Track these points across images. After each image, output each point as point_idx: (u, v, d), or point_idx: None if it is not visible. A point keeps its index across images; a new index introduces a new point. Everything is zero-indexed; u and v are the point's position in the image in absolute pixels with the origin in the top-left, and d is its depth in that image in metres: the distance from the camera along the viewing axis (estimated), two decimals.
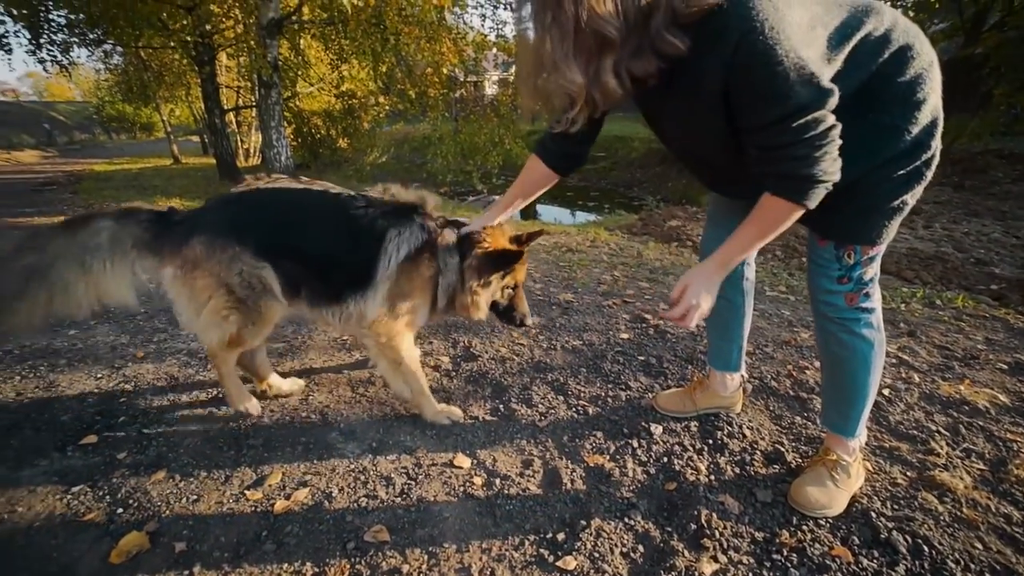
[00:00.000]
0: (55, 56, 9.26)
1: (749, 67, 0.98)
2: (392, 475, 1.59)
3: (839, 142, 1.04)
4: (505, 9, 9.94)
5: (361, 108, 13.45)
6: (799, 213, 1.12)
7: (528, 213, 11.48)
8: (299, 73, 11.30)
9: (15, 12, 8.17)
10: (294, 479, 1.58)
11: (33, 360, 2.40)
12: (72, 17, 8.89)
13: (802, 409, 1.89)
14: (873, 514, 1.41)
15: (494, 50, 10.73)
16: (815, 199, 1.08)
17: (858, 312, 1.35)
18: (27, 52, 9.10)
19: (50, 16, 8.76)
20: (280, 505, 1.47)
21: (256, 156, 15.14)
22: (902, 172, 1.16)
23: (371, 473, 1.60)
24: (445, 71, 9.58)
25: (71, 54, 9.48)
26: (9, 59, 12.80)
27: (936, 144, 1.16)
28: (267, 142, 8.84)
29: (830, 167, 1.05)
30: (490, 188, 12.25)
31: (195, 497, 1.52)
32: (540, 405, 1.95)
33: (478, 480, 1.57)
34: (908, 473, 1.56)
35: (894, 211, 1.22)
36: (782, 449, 1.68)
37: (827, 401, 1.51)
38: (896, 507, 1.44)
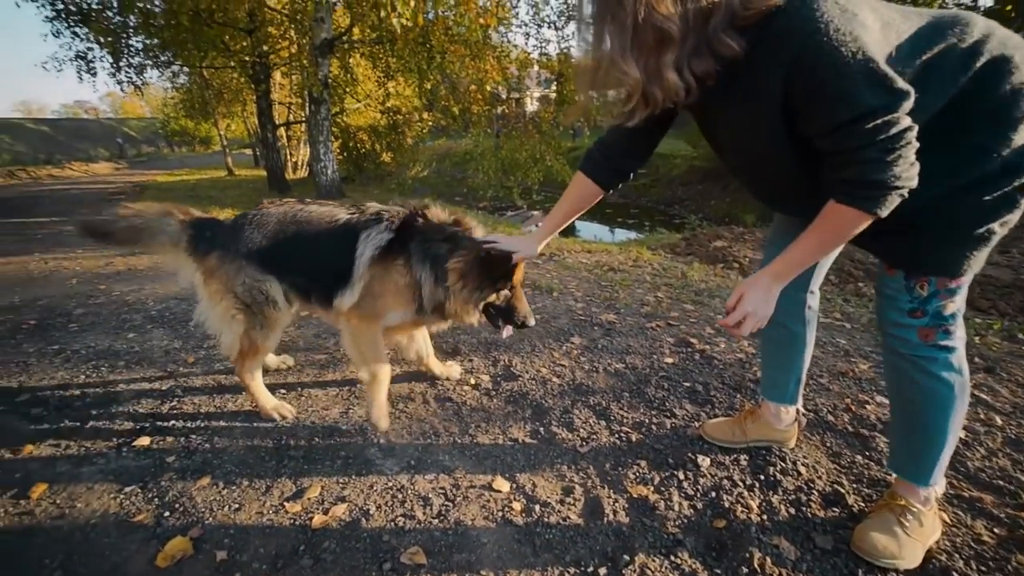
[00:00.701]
0: (131, 77, 10.14)
1: (814, 69, 0.94)
2: (430, 495, 1.57)
3: (915, 145, 0.96)
4: (549, 28, 10.05)
5: (405, 124, 13.84)
6: (866, 222, 1.03)
7: (567, 229, 11.44)
8: (347, 90, 11.74)
9: (102, 40, 8.98)
10: (332, 494, 1.58)
11: (96, 360, 2.53)
12: (148, 42, 9.68)
13: (863, 448, 1.76)
14: (956, 574, 1.27)
15: (536, 67, 10.87)
16: (886, 207, 0.99)
17: (935, 350, 1.21)
18: (108, 74, 9.99)
19: (129, 42, 9.60)
20: (318, 520, 1.47)
21: (304, 169, 15.77)
22: (989, 197, 1.05)
23: (409, 492, 1.58)
24: (488, 88, 9.75)
25: (144, 75, 10.33)
26: (93, 80, 14.02)
27: None
28: (315, 156, 9.19)
29: (905, 172, 0.96)
30: (530, 204, 12.30)
31: (237, 506, 1.53)
32: (581, 429, 1.89)
33: (517, 505, 1.53)
34: (996, 530, 1.41)
35: (978, 240, 1.10)
36: (842, 490, 1.56)
37: (897, 444, 1.38)
38: (984, 569, 1.29)
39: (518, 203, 11.90)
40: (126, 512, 1.53)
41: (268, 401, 1.98)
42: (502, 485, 1.61)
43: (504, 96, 12.41)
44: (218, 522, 1.48)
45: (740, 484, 1.60)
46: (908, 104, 0.94)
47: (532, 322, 1.84)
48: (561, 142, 11.78)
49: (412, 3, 6.62)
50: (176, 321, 3.01)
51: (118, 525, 1.49)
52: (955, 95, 1.02)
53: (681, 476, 1.64)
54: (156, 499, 1.58)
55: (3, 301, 3.64)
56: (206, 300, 1.89)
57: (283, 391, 2.16)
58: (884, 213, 1.01)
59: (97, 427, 1.96)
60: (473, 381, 2.25)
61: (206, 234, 1.86)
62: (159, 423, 1.97)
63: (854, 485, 1.58)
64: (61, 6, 8.63)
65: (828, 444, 1.79)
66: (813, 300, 1.60)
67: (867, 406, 2.00)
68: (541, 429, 1.90)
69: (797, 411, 1.73)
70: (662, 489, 1.59)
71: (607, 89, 1.09)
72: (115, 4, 8.88)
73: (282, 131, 14.19)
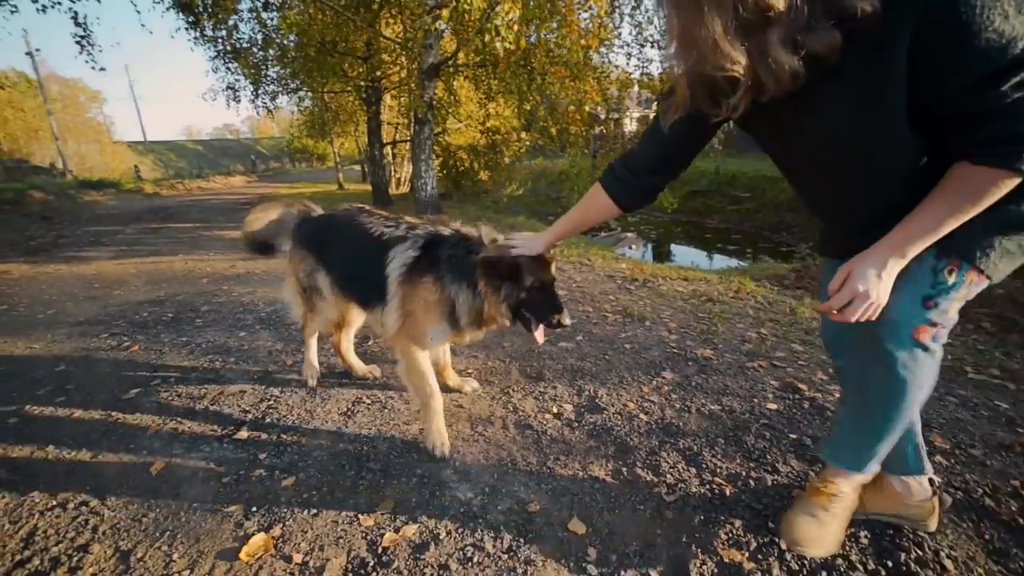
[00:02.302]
0: (266, 103, 11.62)
1: (954, 10, 0.79)
2: (501, 527, 1.50)
3: None
4: (651, 47, 9.84)
5: (503, 143, 14.23)
6: (1011, 184, 0.88)
7: (661, 255, 11.01)
8: (450, 111, 12.33)
9: (246, 72, 10.46)
10: (405, 512, 1.57)
11: (213, 354, 2.80)
12: (281, 72, 11.03)
13: None
14: None
15: (636, 87, 10.66)
16: None
17: (920, 349, 1.09)
18: (249, 101, 11.54)
19: (267, 73, 11.05)
20: (389, 538, 1.46)
21: (406, 185, 16.76)
22: None
23: (480, 521, 1.53)
24: (587, 109, 9.72)
25: (276, 100, 11.75)
26: (238, 106, 16.23)
27: None
28: (416, 173, 9.71)
29: None
30: (623, 225, 12.02)
31: (315, 511, 1.57)
32: (668, 475, 1.73)
33: (592, 552, 1.41)
34: None
35: None
36: None
37: (843, 432, 1.35)
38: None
39: (612, 224, 11.67)
40: (221, 501, 1.64)
41: (309, 360, 2.42)
42: (578, 527, 1.50)
43: (603, 116, 12.29)
44: (297, 525, 1.52)
45: (860, 568, 1.35)
46: None
47: (568, 321, 1.73)
48: None
49: (515, 27, 6.80)
50: (281, 324, 3.25)
51: (214, 512, 1.59)
52: None
53: (783, 545, 1.42)
54: (247, 493, 1.67)
55: (152, 295, 4.19)
56: (286, 276, 2.35)
57: (367, 401, 2.23)
58: None
59: (207, 416, 2.15)
60: (555, 409, 2.16)
61: (302, 226, 2.26)
62: (256, 419, 2.11)
63: None
64: (221, 47, 10.08)
65: (987, 536, 1.45)
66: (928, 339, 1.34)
67: None
68: (624, 469, 1.76)
69: (931, 482, 1.41)
70: (759, 557, 1.39)
71: (708, 78, 0.93)
72: (260, 41, 10.21)
73: (388, 149, 15.23)
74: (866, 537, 1.43)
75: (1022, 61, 0.79)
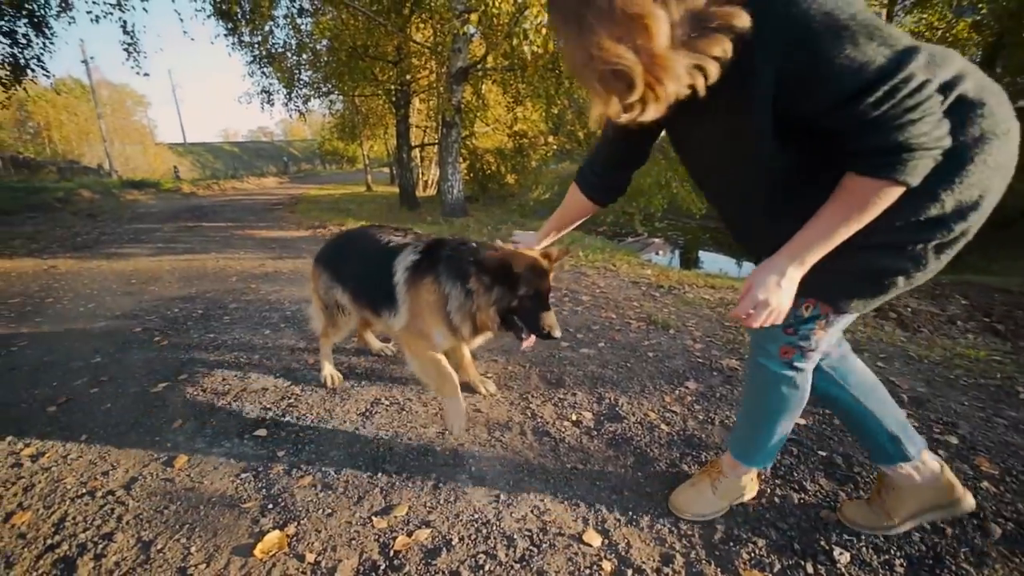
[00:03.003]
0: (298, 106, 11.90)
1: (810, 40, 0.85)
2: (515, 536, 1.47)
3: (939, 98, 0.87)
4: None
5: (531, 147, 14.24)
6: (896, 193, 0.91)
7: (688, 261, 10.81)
8: (477, 114, 12.41)
9: (279, 76, 10.78)
10: (418, 516, 1.55)
11: (238, 351, 2.86)
12: (313, 76, 11.32)
13: None
14: None
15: None
16: (916, 173, 0.89)
17: (786, 367, 1.27)
18: (282, 104, 11.87)
19: (300, 77, 11.35)
20: (401, 541, 1.45)
21: (433, 187, 16.94)
22: (908, 247, 1.02)
23: (494, 528, 1.51)
24: None
25: (309, 104, 12.02)
26: (271, 109, 16.75)
27: (962, 231, 1.00)
28: (443, 176, 9.79)
29: (933, 130, 0.86)
30: (650, 231, 11.85)
31: (330, 511, 1.58)
32: None
33: (607, 566, 1.37)
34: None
35: (878, 286, 1.09)
36: None
37: (738, 427, 1.51)
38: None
39: (639, 230, 11.52)
40: (239, 497, 1.66)
41: (326, 368, 2.44)
42: (593, 539, 1.46)
43: None
44: (312, 523, 1.53)
45: None
46: (921, 60, 0.84)
47: (558, 333, 1.73)
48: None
49: (543, 31, 6.80)
50: (304, 322, 3.30)
51: (231, 507, 1.61)
52: None
53: (810, 569, 1.35)
54: (264, 490, 1.69)
55: (184, 292, 4.33)
56: (311, 293, 2.45)
57: (385, 403, 2.23)
58: (914, 180, 0.89)
59: (230, 412, 2.19)
60: (574, 417, 2.12)
61: (324, 245, 2.42)
62: (277, 417, 2.14)
63: None
64: (257, 52, 10.41)
65: None
66: (838, 352, 1.43)
67: None
68: (643, 481, 1.71)
69: (932, 457, 1.39)
70: None
71: (606, 81, 0.93)
72: (294, 47, 10.50)
73: (416, 152, 15.43)
74: (902, 564, 1.35)
75: (875, 81, 0.84)
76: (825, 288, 1.12)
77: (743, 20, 0.85)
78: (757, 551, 1.42)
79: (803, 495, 1.64)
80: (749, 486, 1.58)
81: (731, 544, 1.44)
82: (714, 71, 0.89)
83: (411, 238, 2.08)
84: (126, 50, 9.37)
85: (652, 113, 0.95)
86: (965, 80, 0.97)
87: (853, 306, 1.14)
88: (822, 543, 1.43)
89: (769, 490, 1.65)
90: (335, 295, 2.25)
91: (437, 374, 1.97)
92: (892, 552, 1.39)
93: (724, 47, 0.87)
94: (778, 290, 1.03)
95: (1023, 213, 7.13)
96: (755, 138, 0.98)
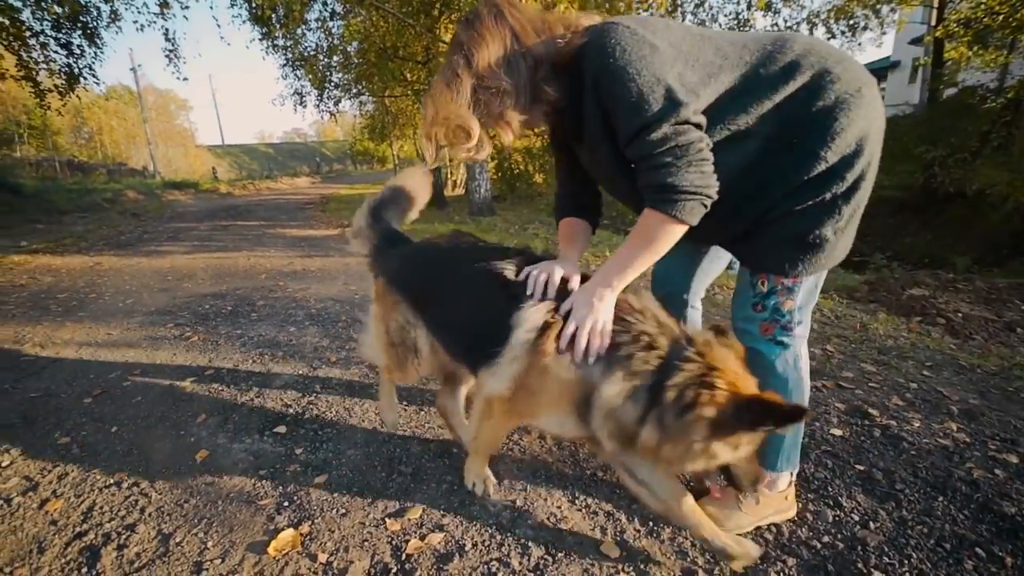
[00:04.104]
0: (329, 107, 12.16)
1: (610, 87, 1.11)
2: (530, 544, 1.43)
3: (709, 157, 1.11)
4: None
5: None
6: (676, 228, 1.14)
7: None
8: None
9: (311, 78, 11.04)
10: (432, 520, 1.53)
11: (262, 348, 2.90)
12: (344, 77, 11.54)
13: None
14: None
15: None
16: (689, 214, 1.12)
17: (772, 344, 1.33)
18: (314, 106, 12.13)
19: (331, 79, 11.58)
20: (413, 545, 1.42)
21: (461, 187, 17.03)
22: (812, 203, 1.17)
23: (508, 534, 1.46)
24: None
25: (340, 105, 12.29)
26: (304, 111, 17.21)
27: (857, 175, 1.15)
28: (471, 175, 9.82)
29: (700, 180, 1.10)
30: None
31: (344, 511, 1.57)
32: None
33: None
34: None
35: (808, 246, 1.21)
36: None
37: None
38: None
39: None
40: (256, 494, 1.67)
41: (384, 407, 1.96)
42: (611, 550, 1.40)
43: None
44: (325, 523, 1.52)
45: None
46: (687, 113, 1.08)
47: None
48: None
49: None
50: (329, 320, 3.34)
51: (248, 504, 1.62)
52: (785, 105, 1.13)
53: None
54: (280, 487, 1.69)
55: (215, 288, 4.45)
56: (370, 318, 1.84)
57: (405, 403, 2.22)
58: (690, 219, 1.13)
59: (251, 408, 2.22)
60: None
61: (388, 249, 1.76)
62: (297, 414, 2.15)
63: None
64: (290, 56, 10.69)
65: None
66: (694, 314, 1.68)
67: None
68: None
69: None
70: None
71: (453, 136, 1.26)
72: (325, 49, 10.73)
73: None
74: None
75: (661, 119, 1.07)
76: (767, 260, 1.27)
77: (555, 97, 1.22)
78: (787, 570, 1.33)
79: (838, 511, 1.54)
80: (782, 504, 1.48)
81: (759, 562, 1.36)
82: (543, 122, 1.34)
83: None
84: (168, 56, 9.74)
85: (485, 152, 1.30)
86: (809, 56, 1.14)
87: (799, 270, 1.24)
88: (859, 566, 1.33)
89: (801, 505, 1.56)
90: (414, 336, 1.65)
91: (492, 441, 1.61)
92: None
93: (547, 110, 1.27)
94: (597, 306, 1.21)
95: None
96: (609, 161, 1.25)
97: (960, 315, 3.40)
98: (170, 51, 9.72)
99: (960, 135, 9.90)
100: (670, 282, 1.66)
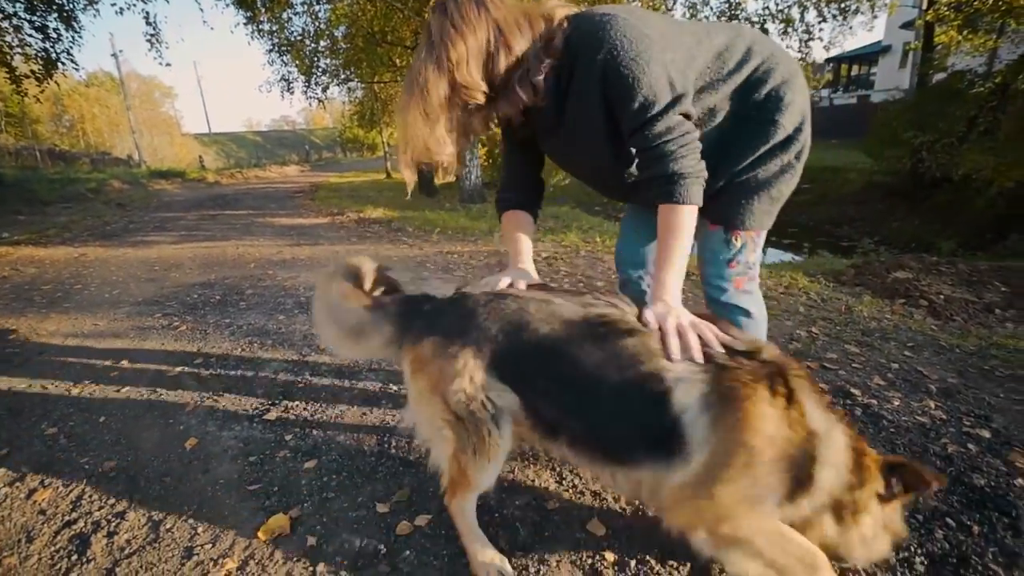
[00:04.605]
0: (317, 94, 11.95)
1: (618, 83, 1.13)
2: (517, 524, 1.45)
3: (699, 145, 1.19)
4: None
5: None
6: (690, 211, 1.19)
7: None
8: None
9: (298, 64, 10.85)
10: (420, 502, 1.54)
11: (252, 336, 2.90)
12: (331, 63, 11.34)
13: None
14: None
15: None
16: (696, 196, 1.19)
17: (744, 294, 1.47)
18: (301, 92, 11.91)
19: (318, 64, 11.38)
20: (402, 527, 1.44)
21: (451, 174, 16.93)
22: (776, 163, 1.31)
23: (496, 516, 1.49)
24: None
25: (328, 91, 12.09)
26: (291, 98, 16.93)
27: (803, 145, 1.32)
28: (461, 162, 9.75)
29: (698, 165, 1.18)
30: None
31: (333, 495, 1.58)
32: None
33: (610, 555, 1.33)
34: None
35: (773, 200, 1.36)
36: None
37: None
38: None
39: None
40: (247, 480, 1.68)
41: (481, 552, 1.30)
42: (597, 528, 1.42)
43: None
44: (315, 507, 1.54)
45: None
46: (688, 102, 1.18)
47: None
48: None
49: None
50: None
51: (238, 490, 1.63)
52: (743, 85, 1.29)
53: None
54: (270, 472, 1.70)
55: (203, 278, 4.41)
56: (414, 398, 1.28)
57: (393, 389, 2.23)
58: (697, 201, 1.19)
59: (241, 396, 2.22)
60: None
61: (422, 307, 1.31)
62: (286, 401, 2.15)
63: None
64: (276, 41, 10.49)
65: None
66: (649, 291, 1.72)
67: None
68: None
69: None
70: None
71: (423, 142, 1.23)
72: (312, 33, 10.53)
73: None
74: (922, 564, 1.29)
75: (667, 109, 1.13)
76: (743, 218, 1.37)
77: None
78: None
79: None
80: None
81: None
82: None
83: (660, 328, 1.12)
84: (149, 40, 9.55)
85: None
86: (756, 46, 1.30)
87: (765, 223, 1.40)
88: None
89: None
90: (497, 406, 1.17)
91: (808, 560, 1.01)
92: (912, 550, 1.32)
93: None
94: (675, 312, 1.17)
95: None
96: (597, 145, 1.28)
97: (942, 297, 3.46)
98: (151, 35, 9.54)
99: (948, 120, 9.93)
100: (633, 261, 1.71)
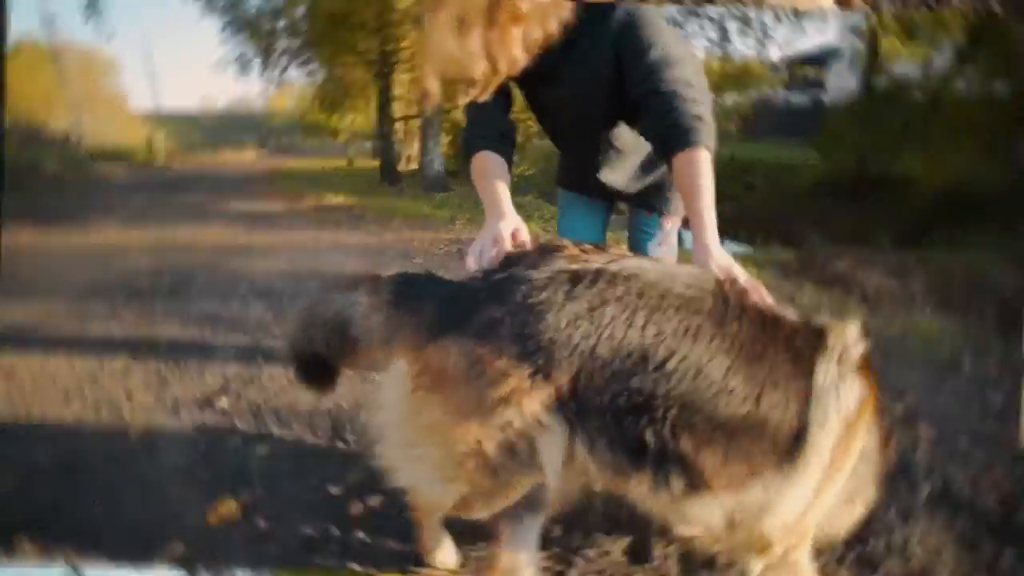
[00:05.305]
0: (276, 76, 11.49)
1: (641, 35, 1.17)
2: None
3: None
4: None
5: (515, 121, 14.01)
6: (707, 160, 1.13)
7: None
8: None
9: (255, 43, 10.40)
10: (373, 484, 1.56)
11: (203, 324, 2.83)
12: (291, 44, 10.93)
13: None
14: None
15: None
16: (712, 139, 1.15)
17: None
18: (259, 74, 11.46)
19: (276, 45, 10.95)
20: (354, 508, 1.47)
21: (415, 162, 16.69)
22: None
23: None
24: None
25: (286, 74, 11.63)
26: (247, 78, 16.24)
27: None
28: (425, 149, 9.64)
29: (712, 118, 1.16)
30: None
31: (286, 479, 1.59)
32: None
33: (556, 529, 1.40)
34: None
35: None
36: None
37: None
38: None
39: (621, 207, 11.48)
40: (196, 467, 1.66)
41: (431, 542, 1.27)
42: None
43: None
44: (266, 490, 1.54)
45: None
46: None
47: None
48: None
49: None
50: (273, 295, 3.27)
51: (187, 478, 1.62)
52: None
53: None
54: (221, 459, 1.69)
55: (152, 265, 4.23)
56: (416, 427, 0.94)
57: (349, 373, 2.21)
58: (712, 144, 1.14)
59: (192, 384, 2.18)
60: None
61: (430, 290, 0.98)
62: (238, 387, 2.13)
63: None
64: (229, 18, 10.02)
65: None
66: None
67: None
68: None
69: None
70: None
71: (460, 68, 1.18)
72: (268, 11, 10.11)
73: (400, 125, 15.11)
74: None
75: (682, 61, 1.17)
76: (670, 204, 1.50)
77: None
78: None
79: None
80: None
81: None
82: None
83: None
84: (86, 9, 8.94)
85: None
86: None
87: (682, 209, 1.44)
88: None
89: None
90: (544, 440, 0.87)
91: None
92: None
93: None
94: (724, 254, 1.14)
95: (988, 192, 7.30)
96: (597, 102, 1.30)
97: (872, 286, 3.73)
98: (88, 2, 8.92)
99: (888, 123, 10.54)
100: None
